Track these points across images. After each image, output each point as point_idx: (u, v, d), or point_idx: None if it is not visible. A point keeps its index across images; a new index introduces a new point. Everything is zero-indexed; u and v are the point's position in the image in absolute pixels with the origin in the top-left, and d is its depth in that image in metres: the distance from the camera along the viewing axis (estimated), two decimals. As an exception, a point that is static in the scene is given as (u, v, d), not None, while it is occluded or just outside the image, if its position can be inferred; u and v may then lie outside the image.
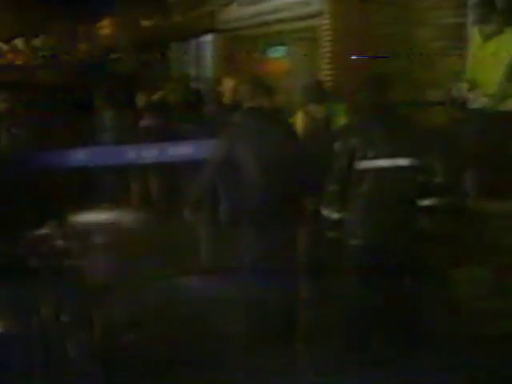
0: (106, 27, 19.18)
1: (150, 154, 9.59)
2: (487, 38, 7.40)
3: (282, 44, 12.15)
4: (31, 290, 4.71)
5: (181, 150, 9.14)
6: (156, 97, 11.53)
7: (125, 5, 17.51)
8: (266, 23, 11.71)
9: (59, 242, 6.82)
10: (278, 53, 12.33)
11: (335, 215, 5.62)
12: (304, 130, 7.57)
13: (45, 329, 4.20)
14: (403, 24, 9.70)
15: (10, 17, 19.45)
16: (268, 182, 5.75)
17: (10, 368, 3.86)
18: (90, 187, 9.95)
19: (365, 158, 5.48)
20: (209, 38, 13.72)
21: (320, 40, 10.31)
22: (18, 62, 20.41)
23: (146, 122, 10.71)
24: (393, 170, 5.48)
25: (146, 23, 16.92)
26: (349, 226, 5.59)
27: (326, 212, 5.67)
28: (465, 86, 7.48)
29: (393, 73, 7.38)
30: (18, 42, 21.83)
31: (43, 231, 7.05)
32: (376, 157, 5.47)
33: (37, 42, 21.03)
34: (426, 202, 5.56)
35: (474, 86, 7.38)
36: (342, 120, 7.34)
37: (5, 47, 22.32)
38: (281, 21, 11.32)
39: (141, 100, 11.12)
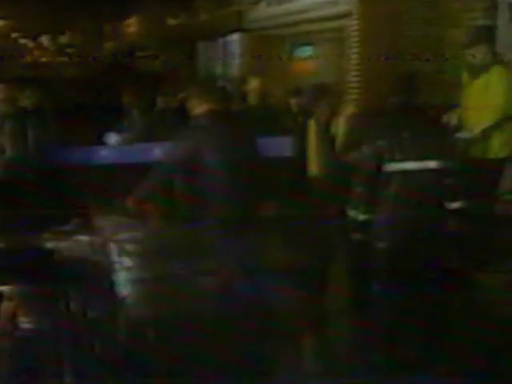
0: (132, 25, 19.31)
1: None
2: (475, 75, 7.24)
3: (310, 44, 12.17)
4: (56, 285, 4.75)
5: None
6: (181, 96, 11.59)
7: (151, 3, 17.64)
8: (294, 23, 11.73)
9: (83, 238, 6.86)
10: (305, 53, 12.34)
11: (362, 217, 5.63)
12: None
13: (72, 324, 4.24)
14: (432, 25, 9.70)
15: (37, 14, 19.63)
16: (234, 185, 5.64)
17: (37, 364, 3.90)
18: (115, 185, 9.98)
19: (393, 159, 5.50)
20: (236, 37, 13.75)
21: (348, 40, 10.32)
22: (44, 59, 20.63)
23: (171, 120, 10.76)
24: (421, 172, 5.49)
25: (172, 22, 17.01)
26: (376, 228, 5.60)
27: (352, 213, 5.70)
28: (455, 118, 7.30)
29: (421, 74, 7.38)
30: (44, 40, 22.02)
31: (68, 227, 7.09)
32: (404, 159, 5.49)
33: (63, 39, 21.23)
34: (453, 205, 5.57)
35: (461, 123, 7.18)
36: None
37: (31, 44, 22.53)
38: (309, 21, 11.34)
39: (166, 98, 11.17)
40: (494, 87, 6.69)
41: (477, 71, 6.87)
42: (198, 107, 5.96)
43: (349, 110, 7.64)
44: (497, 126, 6.65)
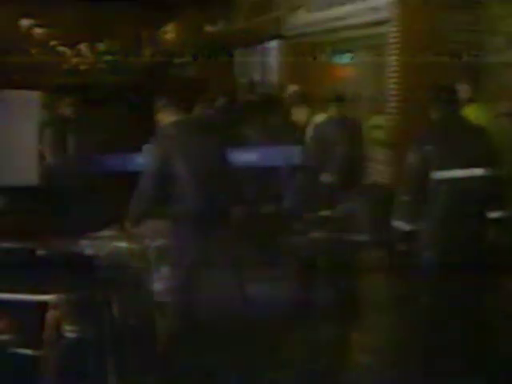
0: (170, 32, 19.43)
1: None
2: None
3: (349, 51, 12.18)
4: (99, 292, 4.81)
5: (246, 157, 9.24)
6: (221, 102, 11.68)
7: (189, 10, 17.74)
8: (334, 30, 11.75)
9: (122, 244, 6.93)
10: (344, 60, 12.36)
11: (408, 227, 5.61)
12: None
13: (115, 331, 4.30)
14: (472, 31, 9.69)
15: (75, 22, 19.83)
16: (202, 191, 5.94)
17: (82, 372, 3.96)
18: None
19: (439, 168, 5.50)
20: (275, 43, 13.81)
21: (387, 47, 10.33)
22: (83, 67, 20.84)
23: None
24: (467, 180, 5.48)
25: (210, 28, 17.09)
26: (423, 238, 5.58)
27: (397, 223, 5.69)
28: None
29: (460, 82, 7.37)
30: (83, 47, 22.25)
31: (106, 233, 7.17)
32: (450, 167, 5.48)
33: (101, 46, 21.41)
34: (494, 214, 5.56)
35: None
36: None
37: (69, 52, 22.77)
38: (348, 27, 11.35)
39: (203, 106, 11.25)
40: None
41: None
42: (166, 118, 6.23)
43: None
44: None
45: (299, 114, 8.61)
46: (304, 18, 12.64)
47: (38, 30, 21.38)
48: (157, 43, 19.72)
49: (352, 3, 11.24)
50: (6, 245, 5.05)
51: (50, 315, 3.46)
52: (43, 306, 3.51)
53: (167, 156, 5.99)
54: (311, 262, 7.71)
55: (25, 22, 20.91)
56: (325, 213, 7.93)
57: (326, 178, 8.15)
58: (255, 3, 14.70)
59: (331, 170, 8.20)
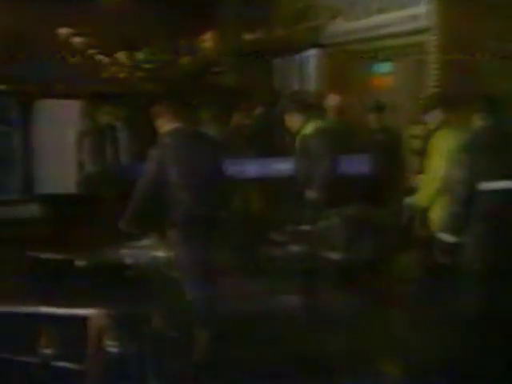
0: (208, 40, 19.51)
1: (252, 168, 9.75)
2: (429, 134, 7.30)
3: (389, 60, 12.15)
4: (138, 304, 4.83)
5: (283, 165, 9.25)
6: (258, 111, 11.72)
7: (227, 18, 17.82)
8: (373, 38, 11.74)
9: (160, 254, 6.97)
10: (383, 69, 12.33)
11: (454, 239, 5.56)
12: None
13: (156, 344, 4.31)
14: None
15: (113, 30, 19.99)
16: (194, 198, 6.27)
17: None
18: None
19: (485, 178, 5.46)
20: (313, 52, 13.81)
21: (427, 56, 10.29)
22: (121, 75, 21.00)
23: (247, 135, 10.90)
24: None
25: (248, 37, 17.13)
26: (470, 251, 5.53)
27: (443, 236, 5.65)
28: None
29: (506, 91, 7.34)
30: (121, 55, 22.41)
31: (145, 242, 7.23)
32: (497, 178, 5.45)
33: (139, 55, 21.56)
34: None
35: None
36: None
37: (108, 60, 22.96)
38: (387, 36, 11.34)
39: (242, 114, 11.31)
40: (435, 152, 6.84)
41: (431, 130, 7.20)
42: (165, 125, 6.42)
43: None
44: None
45: (292, 122, 8.37)
46: (343, 27, 12.63)
47: (76, 39, 21.59)
48: (195, 51, 19.81)
49: (391, 12, 11.21)
50: (45, 256, 5.04)
51: (92, 329, 3.46)
52: (85, 319, 3.51)
53: (163, 163, 6.27)
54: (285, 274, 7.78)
55: (63, 31, 21.12)
56: (305, 227, 7.94)
57: (310, 194, 7.99)
58: (294, 12, 14.72)
59: (316, 187, 7.97)
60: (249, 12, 16.74)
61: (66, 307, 3.53)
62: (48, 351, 3.45)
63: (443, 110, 7.10)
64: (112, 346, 3.61)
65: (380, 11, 11.51)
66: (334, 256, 7.45)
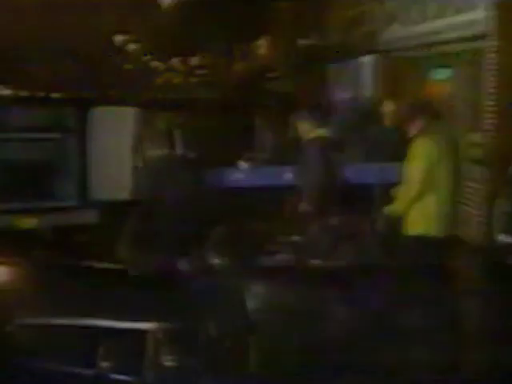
0: (262, 46, 19.58)
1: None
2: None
3: (446, 66, 12.06)
4: (196, 316, 4.81)
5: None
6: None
7: (282, 24, 17.87)
8: (429, 44, 11.67)
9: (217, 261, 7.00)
10: (441, 75, 12.23)
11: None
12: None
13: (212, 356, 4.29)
14: None
15: (168, 37, 20.19)
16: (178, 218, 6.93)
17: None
18: (245, 208, 10.10)
19: None
20: (369, 58, 13.78)
21: (486, 62, 10.19)
22: (175, 81, 21.22)
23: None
24: None
25: (303, 42, 17.16)
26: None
27: (501, 236, 5.64)
28: None
29: None
30: (175, 61, 22.59)
31: (202, 252, 7.27)
32: None
33: (193, 60, 21.72)
34: None
35: None
36: None
37: (162, 66, 23.17)
38: (444, 42, 11.25)
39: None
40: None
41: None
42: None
43: None
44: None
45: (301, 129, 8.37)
46: (399, 32, 12.58)
47: (132, 45, 21.87)
48: (249, 57, 19.90)
49: (449, 17, 11.12)
50: (98, 265, 5.01)
51: (149, 343, 3.45)
52: (141, 332, 3.49)
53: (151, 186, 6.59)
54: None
55: (119, 38, 21.40)
56: (295, 238, 7.99)
57: (303, 207, 7.99)
58: (349, 17, 14.71)
59: (307, 199, 7.96)
60: (303, 17, 16.77)
61: (122, 319, 3.51)
62: (104, 364, 3.43)
63: (424, 118, 7.02)
64: (169, 360, 3.59)
65: (436, 16, 11.43)
66: (319, 263, 7.49)
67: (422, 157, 6.70)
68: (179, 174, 8.56)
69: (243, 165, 10.04)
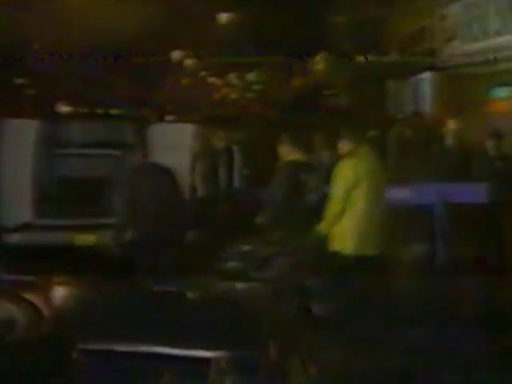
0: (320, 63, 19.61)
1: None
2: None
3: (508, 84, 11.95)
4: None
5: (397, 193, 9.20)
6: (372, 134, 11.71)
7: (340, 40, 17.91)
8: (490, 61, 11.58)
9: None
10: (502, 93, 12.12)
11: None
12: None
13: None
14: None
15: (225, 53, 20.35)
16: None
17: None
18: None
19: None
20: (428, 75, 13.73)
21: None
22: (232, 97, 21.33)
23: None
24: None
25: (361, 59, 17.16)
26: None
27: None
28: None
29: None
30: (232, 77, 22.72)
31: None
32: None
33: (251, 76, 21.81)
34: None
35: None
36: None
37: (219, 82, 23.33)
38: (506, 59, 11.17)
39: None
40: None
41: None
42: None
43: None
44: None
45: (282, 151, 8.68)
46: (459, 50, 12.52)
47: (189, 61, 22.07)
48: (306, 74, 19.95)
49: (510, 34, 11.05)
50: (160, 287, 4.92)
51: (213, 372, 3.38)
52: (205, 361, 3.41)
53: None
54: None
55: (176, 54, 21.62)
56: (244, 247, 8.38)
57: (258, 219, 8.22)
58: (409, 34, 14.69)
59: (264, 213, 8.17)
60: (362, 34, 16.78)
61: (184, 347, 3.45)
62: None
63: (351, 141, 7.24)
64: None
65: (498, 33, 11.35)
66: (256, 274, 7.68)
67: (341, 178, 7.03)
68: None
69: None
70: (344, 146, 7.20)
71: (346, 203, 6.97)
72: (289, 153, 8.14)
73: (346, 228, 7.03)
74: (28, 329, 3.25)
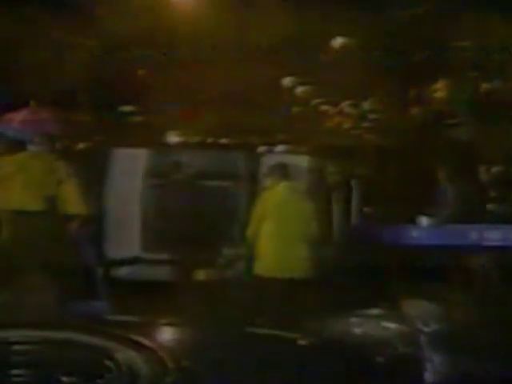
0: (440, 90, 19.16)
1: (493, 236, 9.35)
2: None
3: None
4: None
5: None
6: (498, 169, 11.28)
7: (463, 65, 17.44)
8: None
9: (391, 325, 6.74)
10: None
11: None
12: None
13: None
14: None
15: (338, 79, 20.11)
16: None
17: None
18: (424, 268, 9.66)
19: None
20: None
21: None
22: (346, 126, 21.00)
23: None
24: None
25: (485, 86, 16.72)
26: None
27: None
28: None
29: None
30: (346, 105, 22.47)
31: (375, 311, 7.03)
32: None
33: (365, 104, 21.49)
34: None
35: None
36: None
37: (332, 110, 23.09)
38: None
39: (485, 172, 10.88)
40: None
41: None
42: None
43: None
44: None
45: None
46: None
47: (300, 88, 21.92)
48: (425, 101, 19.51)
49: None
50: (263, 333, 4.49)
51: None
52: None
53: None
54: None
55: (287, 81, 21.52)
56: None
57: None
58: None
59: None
60: (485, 59, 16.35)
61: None
62: None
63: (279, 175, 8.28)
64: None
65: None
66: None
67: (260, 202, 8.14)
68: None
69: (424, 221, 9.69)
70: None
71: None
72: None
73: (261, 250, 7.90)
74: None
